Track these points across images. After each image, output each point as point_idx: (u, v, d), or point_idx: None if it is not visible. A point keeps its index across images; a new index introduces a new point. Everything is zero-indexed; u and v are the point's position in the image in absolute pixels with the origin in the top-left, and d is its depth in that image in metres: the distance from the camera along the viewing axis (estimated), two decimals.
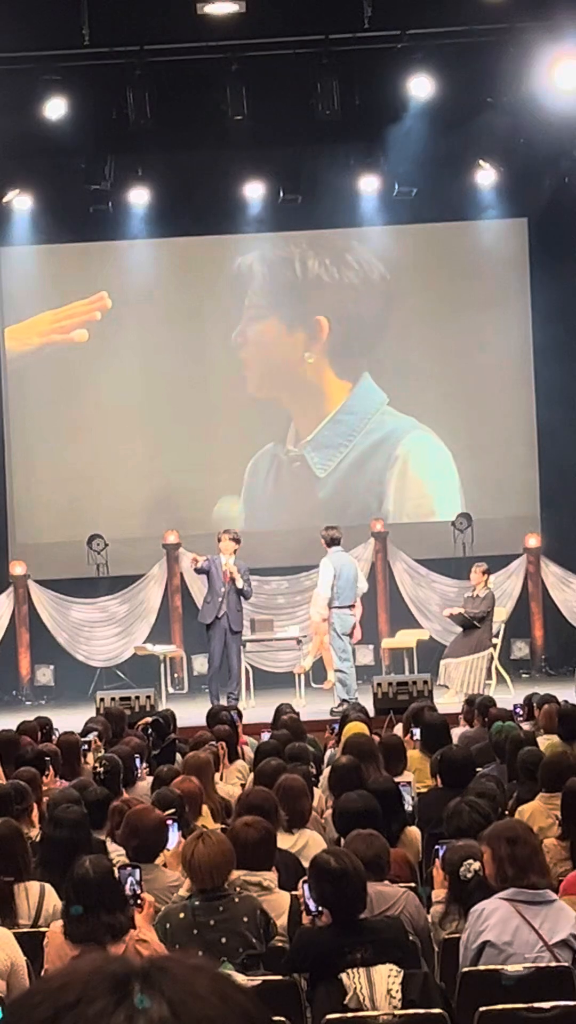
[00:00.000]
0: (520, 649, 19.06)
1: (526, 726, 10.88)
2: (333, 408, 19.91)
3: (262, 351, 19.81)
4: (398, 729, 11.47)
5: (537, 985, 5.15)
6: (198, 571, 16.20)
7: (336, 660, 15.63)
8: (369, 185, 18.76)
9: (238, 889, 5.76)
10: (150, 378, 19.68)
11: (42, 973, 5.39)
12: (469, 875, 5.57)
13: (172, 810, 7.08)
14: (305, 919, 5.45)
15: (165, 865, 6.68)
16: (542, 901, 5.41)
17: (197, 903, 5.59)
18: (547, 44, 15.32)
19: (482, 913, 5.40)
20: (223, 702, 14.67)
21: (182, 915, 5.60)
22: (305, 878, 5.50)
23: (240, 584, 15.60)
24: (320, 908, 5.31)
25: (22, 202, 18.79)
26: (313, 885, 5.33)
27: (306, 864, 6.00)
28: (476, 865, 5.75)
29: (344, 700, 15.01)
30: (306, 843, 7.26)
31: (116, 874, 5.47)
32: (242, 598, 15.81)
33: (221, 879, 5.64)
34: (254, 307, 19.84)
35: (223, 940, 5.50)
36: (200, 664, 18.05)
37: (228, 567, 15.58)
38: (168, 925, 5.59)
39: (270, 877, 6.14)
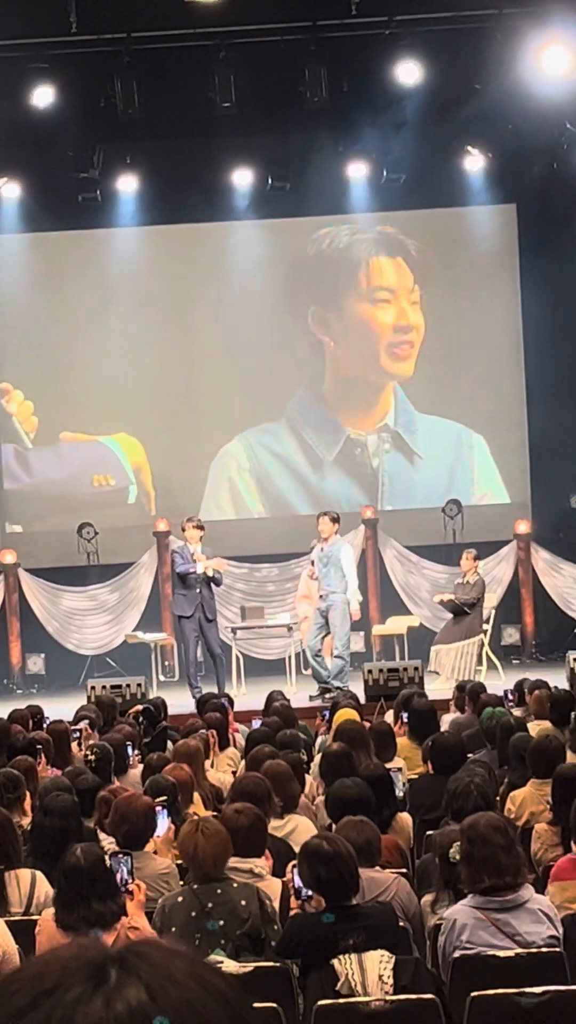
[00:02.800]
0: (511, 635, 19.08)
1: (517, 712, 10.89)
2: None
3: None
4: (389, 716, 11.47)
5: (528, 970, 5.16)
6: (181, 575, 15.98)
7: (340, 647, 15.53)
8: (358, 172, 18.72)
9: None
10: (139, 365, 19.65)
11: None
12: (458, 857, 5.56)
13: (163, 797, 7.08)
14: (294, 904, 5.44)
15: (155, 852, 6.69)
16: (512, 907, 5.33)
17: (196, 887, 5.61)
18: (535, 30, 15.32)
19: (454, 925, 5.34)
20: (214, 689, 14.67)
21: (180, 899, 5.62)
22: (294, 862, 5.50)
23: (211, 573, 15.59)
24: (310, 893, 5.31)
25: (10, 190, 18.75)
26: (305, 869, 5.33)
27: (295, 849, 6.00)
28: None
29: (324, 686, 15.04)
30: (295, 827, 7.27)
31: (107, 862, 5.48)
32: (213, 585, 15.79)
33: (223, 867, 5.66)
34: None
35: (221, 923, 5.51)
36: None
37: (199, 557, 15.54)
38: (166, 909, 5.61)
39: (261, 864, 6.15)
